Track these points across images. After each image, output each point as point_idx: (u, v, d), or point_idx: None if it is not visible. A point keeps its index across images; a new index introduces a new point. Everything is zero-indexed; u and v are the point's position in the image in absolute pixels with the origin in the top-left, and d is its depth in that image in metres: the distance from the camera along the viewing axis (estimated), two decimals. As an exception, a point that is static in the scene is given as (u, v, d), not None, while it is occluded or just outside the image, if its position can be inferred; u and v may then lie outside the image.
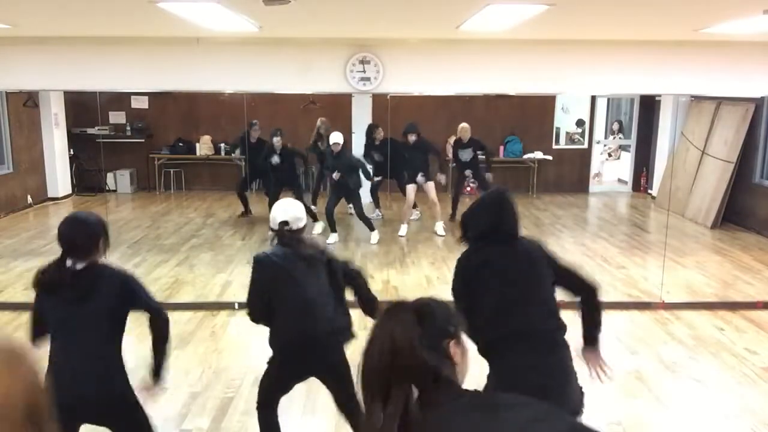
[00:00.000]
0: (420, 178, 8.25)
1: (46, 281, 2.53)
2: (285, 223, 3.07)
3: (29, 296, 6.44)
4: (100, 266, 2.56)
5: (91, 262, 2.54)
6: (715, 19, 4.26)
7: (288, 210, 3.13)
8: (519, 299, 2.59)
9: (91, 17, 4.43)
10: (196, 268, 6.80)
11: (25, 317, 5.38)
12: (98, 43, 5.42)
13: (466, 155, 8.86)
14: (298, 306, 2.97)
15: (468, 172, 8.96)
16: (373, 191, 9.16)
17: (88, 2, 3.80)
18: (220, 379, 4.29)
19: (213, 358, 4.63)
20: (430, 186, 8.32)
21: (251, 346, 4.85)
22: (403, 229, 8.24)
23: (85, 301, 2.47)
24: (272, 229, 3.13)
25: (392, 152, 8.25)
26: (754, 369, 4.49)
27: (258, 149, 8.65)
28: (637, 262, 7.15)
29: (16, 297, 5.81)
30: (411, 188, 8.36)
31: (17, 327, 5.18)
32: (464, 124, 8.85)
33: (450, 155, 9.50)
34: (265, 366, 3.11)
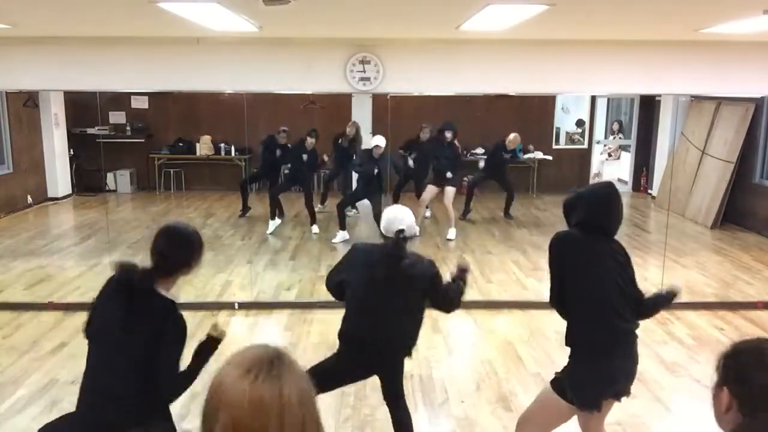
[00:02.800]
0: (449, 181, 8.11)
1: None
2: (401, 231, 3.02)
3: (29, 296, 6.46)
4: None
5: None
6: (715, 19, 4.26)
7: (405, 219, 3.08)
8: (617, 299, 2.73)
9: (91, 17, 4.43)
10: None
11: (26, 317, 5.41)
12: (98, 43, 5.42)
13: (505, 158, 9.11)
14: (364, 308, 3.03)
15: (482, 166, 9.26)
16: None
17: (88, 2, 3.80)
18: (220, 379, 4.28)
19: (213, 358, 4.61)
20: (451, 192, 8.16)
21: (251, 346, 4.85)
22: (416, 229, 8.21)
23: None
24: (385, 236, 3.08)
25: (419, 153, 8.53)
26: None
27: (284, 152, 8.71)
28: (637, 262, 7.09)
29: (16, 297, 5.82)
30: (431, 189, 8.26)
31: (17, 327, 5.18)
32: (514, 135, 9.08)
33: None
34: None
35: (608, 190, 2.81)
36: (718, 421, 1.44)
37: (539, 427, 2.85)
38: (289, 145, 8.66)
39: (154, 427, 2.35)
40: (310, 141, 8.27)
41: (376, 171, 7.74)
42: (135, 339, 2.29)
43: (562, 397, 2.69)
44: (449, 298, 3.12)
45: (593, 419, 2.75)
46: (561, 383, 2.72)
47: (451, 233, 8.17)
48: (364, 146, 8.51)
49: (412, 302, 3.04)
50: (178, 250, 2.42)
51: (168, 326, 2.32)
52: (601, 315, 2.68)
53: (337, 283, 3.11)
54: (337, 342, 3.12)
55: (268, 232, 8.31)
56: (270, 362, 1.13)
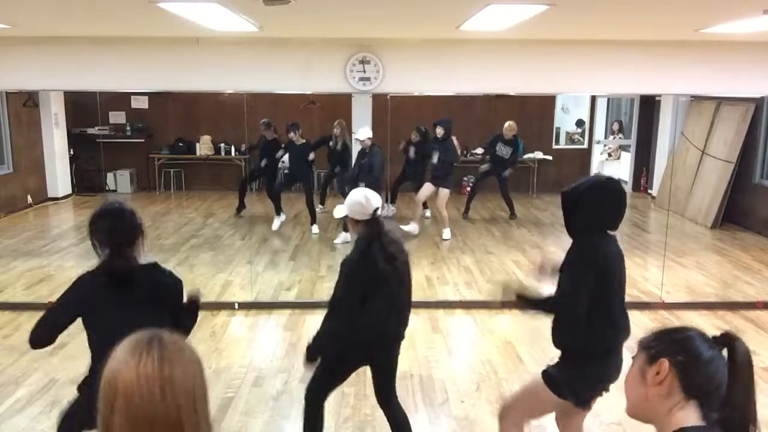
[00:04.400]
0: (443, 182, 8.04)
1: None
2: (376, 209, 2.92)
3: (29, 296, 6.47)
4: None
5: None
6: (715, 19, 4.26)
7: (375, 196, 2.97)
8: (622, 300, 2.74)
9: (91, 17, 4.43)
10: (196, 268, 6.80)
11: (26, 317, 5.41)
12: (98, 43, 5.42)
13: (505, 151, 9.01)
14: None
15: (485, 167, 9.23)
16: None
17: (88, 2, 3.80)
18: (220, 379, 4.29)
19: (213, 358, 4.63)
20: (444, 194, 8.09)
21: (251, 346, 4.86)
22: (415, 228, 8.19)
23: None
24: (356, 220, 2.94)
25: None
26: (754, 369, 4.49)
27: (273, 148, 8.77)
28: (637, 262, 7.14)
29: (16, 297, 5.82)
30: (428, 187, 8.20)
31: (17, 327, 5.18)
32: (509, 123, 9.00)
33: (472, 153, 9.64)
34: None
35: (615, 185, 2.75)
36: (637, 402, 1.48)
37: (523, 417, 2.87)
38: (280, 142, 8.69)
39: None
40: (293, 135, 8.25)
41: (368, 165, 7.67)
42: (158, 312, 2.39)
43: (555, 392, 2.68)
44: None
45: (582, 413, 2.82)
46: (555, 379, 2.70)
47: (446, 233, 8.16)
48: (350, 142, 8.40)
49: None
50: (125, 220, 2.51)
51: (169, 283, 2.57)
52: (619, 316, 2.71)
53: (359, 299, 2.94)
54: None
55: (273, 228, 8.32)
56: (149, 343, 1.18)
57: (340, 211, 3.01)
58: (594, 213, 2.67)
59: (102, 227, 2.47)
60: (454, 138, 8.20)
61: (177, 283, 2.59)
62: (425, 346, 4.82)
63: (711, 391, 1.41)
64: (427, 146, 8.49)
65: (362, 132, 7.46)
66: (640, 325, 5.35)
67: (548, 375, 2.73)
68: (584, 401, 2.71)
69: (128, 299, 2.41)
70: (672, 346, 1.45)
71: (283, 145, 8.74)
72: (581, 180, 2.80)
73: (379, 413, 3.86)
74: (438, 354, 4.72)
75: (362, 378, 4.31)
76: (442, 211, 8.14)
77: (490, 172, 9.31)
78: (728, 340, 1.48)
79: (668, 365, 1.42)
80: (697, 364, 1.42)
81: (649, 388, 1.44)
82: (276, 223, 8.39)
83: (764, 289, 6.22)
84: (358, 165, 7.54)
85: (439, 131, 8.05)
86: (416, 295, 5.85)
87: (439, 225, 8.56)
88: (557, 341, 2.74)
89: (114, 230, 2.45)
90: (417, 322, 5.31)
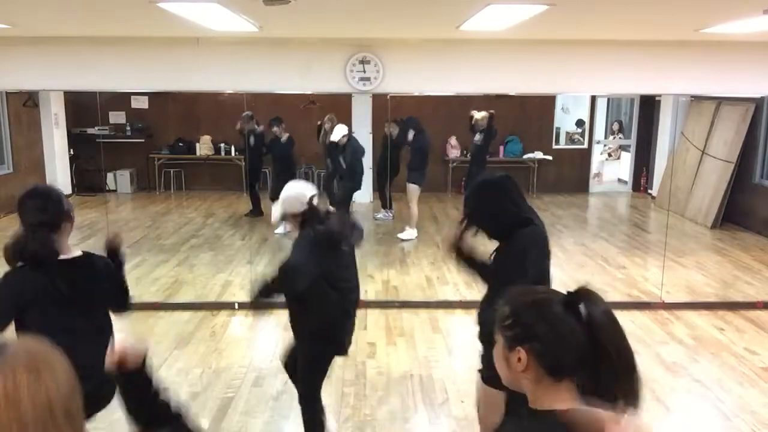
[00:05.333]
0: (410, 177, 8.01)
1: None
2: (312, 197, 2.90)
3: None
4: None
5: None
6: (715, 19, 4.26)
7: (308, 186, 2.95)
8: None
9: (91, 17, 4.43)
10: (196, 268, 6.80)
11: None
12: (98, 43, 5.42)
13: (476, 138, 8.75)
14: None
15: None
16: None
17: (88, 2, 3.80)
18: (220, 379, 4.29)
19: (213, 358, 4.63)
20: (412, 189, 8.02)
21: (251, 346, 4.85)
22: (413, 233, 8.13)
23: None
24: (297, 212, 2.91)
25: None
26: (754, 369, 4.49)
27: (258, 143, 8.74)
28: (637, 262, 7.15)
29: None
30: (410, 188, 8.14)
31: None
32: (480, 113, 8.66)
33: (450, 155, 9.43)
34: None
35: (506, 178, 2.77)
36: (511, 382, 1.38)
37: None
38: (261, 134, 8.66)
39: None
40: (276, 130, 8.19)
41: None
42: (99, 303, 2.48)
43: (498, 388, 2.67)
44: None
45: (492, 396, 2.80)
46: (493, 378, 2.68)
47: (408, 233, 8.03)
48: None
49: None
50: (51, 201, 2.44)
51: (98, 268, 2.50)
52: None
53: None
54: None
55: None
56: None
57: (275, 212, 2.96)
58: (515, 203, 2.69)
59: (29, 207, 2.40)
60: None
61: (107, 265, 2.54)
62: (425, 346, 4.82)
63: (583, 366, 1.29)
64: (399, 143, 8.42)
65: (337, 131, 7.67)
66: (641, 325, 5.37)
67: (486, 377, 2.72)
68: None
69: (53, 290, 2.34)
70: (526, 330, 1.32)
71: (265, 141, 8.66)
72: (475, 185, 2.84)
73: (380, 413, 3.87)
74: (438, 354, 4.72)
75: (362, 379, 4.31)
76: (412, 207, 8.02)
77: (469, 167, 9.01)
78: (578, 298, 1.31)
79: (526, 354, 1.31)
80: (557, 344, 1.29)
81: (517, 373, 1.34)
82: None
83: (764, 289, 6.22)
84: (335, 161, 7.66)
85: (410, 134, 8.08)
86: (416, 295, 5.92)
87: (439, 224, 8.56)
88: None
89: (38, 210, 2.37)
90: (417, 322, 5.31)
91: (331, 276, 2.92)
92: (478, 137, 8.66)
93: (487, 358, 2.66)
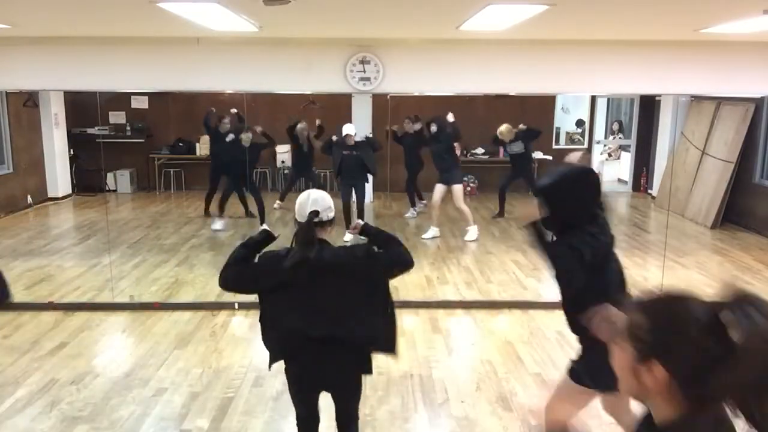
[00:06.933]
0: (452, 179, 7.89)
1: None
2: (315, 213, 2.72)
3: (29, 296, 6.45)
4: None
5: None
6: (715, 19, 4.26)
7: (320, 200, 2.76)
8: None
9: (90, 17, 4.43)
10: (196, 268, 6.80)
11: (26, 317, 5.41)
12: (98, 43, 5.42)
13: (516, 147, 8.82)
14: None
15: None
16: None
17: (88, 2, 3.80)
18: (220, 379, 4.29)
19: (213, 358, 4.63)
20: (457, 190, 7.91)
21: (251, 346, 4.85)
22: (433, 231, 8.10)
23: None
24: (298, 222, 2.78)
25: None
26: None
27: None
28: (637, 262, 7.14)
29: (17, 297, 5.77)
30: (439, 188, 8.01)
31: (17, 327, 5.18)
32: (505, 126, 8.76)
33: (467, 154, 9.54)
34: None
35: (589, 171, 2.80)
36: (637, 394, 1.24)
37: (564, 413, 2.86)
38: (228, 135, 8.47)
39: None
40: (247, 137, 8.07)
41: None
42: None
43: (578, 383, 2.70)
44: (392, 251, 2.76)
45: (617, 398, 2.80)
46: (575, 372, 2.73)
47: (472, 233, 7.97)
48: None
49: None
50: None
51: None
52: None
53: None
54: None
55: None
56: None
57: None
58: (583, 201, 2.71)
59: None
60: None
61: None
62: (425, 346, 4.82)
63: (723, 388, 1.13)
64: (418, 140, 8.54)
65: (346, 128, 7.68)
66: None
67: (570, 369, 2.77)
68: (606, 387, 2.64)
69: None
70: (666, 345, 1.15)
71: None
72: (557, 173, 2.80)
73: (380, 413, 3.87)
74: (438, 354, 4.72)
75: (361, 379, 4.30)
76: (462, 206, 7.93)
77: (516, 174, 9.00)
78: (731, 309, 1.16)
79: (664, 371, 1.14)
80: (697, 365, 1.12)
81: (646, 387, 1.19)
82: (218, 224, 8.34)
83: (764, 289, 6.22)
84: (344, 160, 7.63)
85: (433, 128, 8.06)
86: (416, 295, 5.91)
87: (455, 225, 8.51)
88: (572, 327, 2.77)
89: None
90: (417, 322, 5.32)
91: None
92: (517, 147, 8.80)
93: (587, 360, 2.70)
